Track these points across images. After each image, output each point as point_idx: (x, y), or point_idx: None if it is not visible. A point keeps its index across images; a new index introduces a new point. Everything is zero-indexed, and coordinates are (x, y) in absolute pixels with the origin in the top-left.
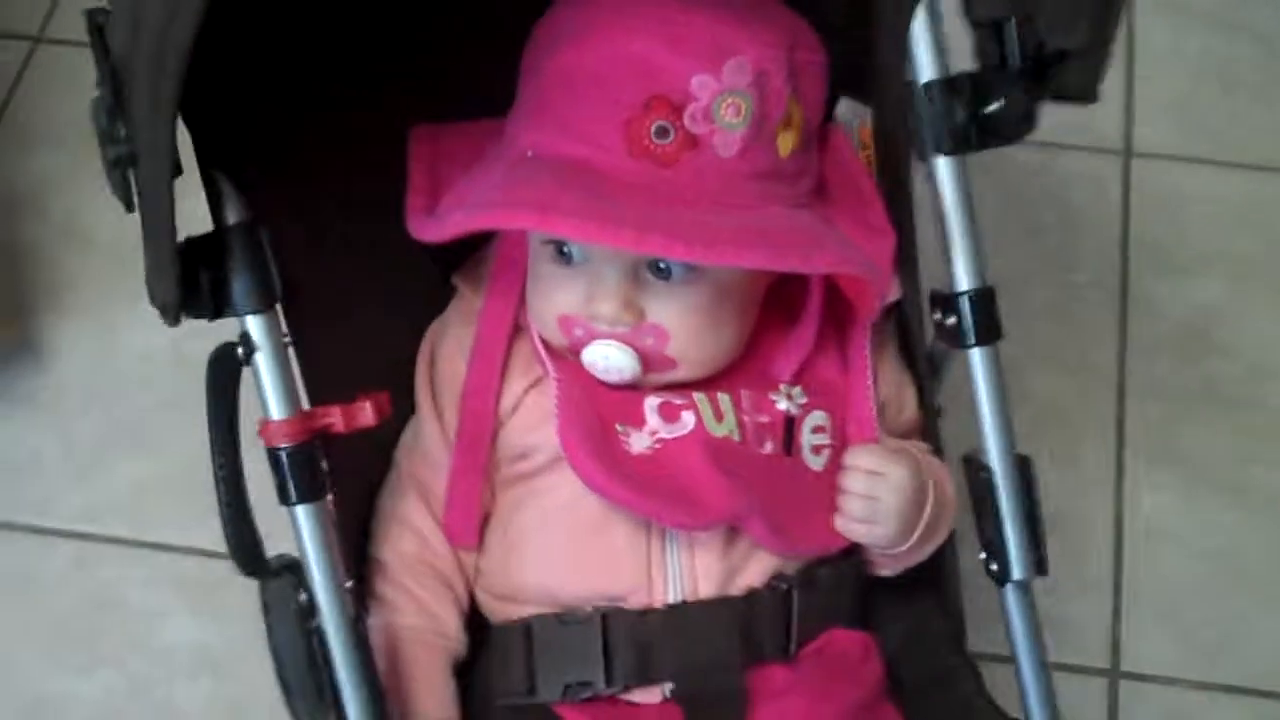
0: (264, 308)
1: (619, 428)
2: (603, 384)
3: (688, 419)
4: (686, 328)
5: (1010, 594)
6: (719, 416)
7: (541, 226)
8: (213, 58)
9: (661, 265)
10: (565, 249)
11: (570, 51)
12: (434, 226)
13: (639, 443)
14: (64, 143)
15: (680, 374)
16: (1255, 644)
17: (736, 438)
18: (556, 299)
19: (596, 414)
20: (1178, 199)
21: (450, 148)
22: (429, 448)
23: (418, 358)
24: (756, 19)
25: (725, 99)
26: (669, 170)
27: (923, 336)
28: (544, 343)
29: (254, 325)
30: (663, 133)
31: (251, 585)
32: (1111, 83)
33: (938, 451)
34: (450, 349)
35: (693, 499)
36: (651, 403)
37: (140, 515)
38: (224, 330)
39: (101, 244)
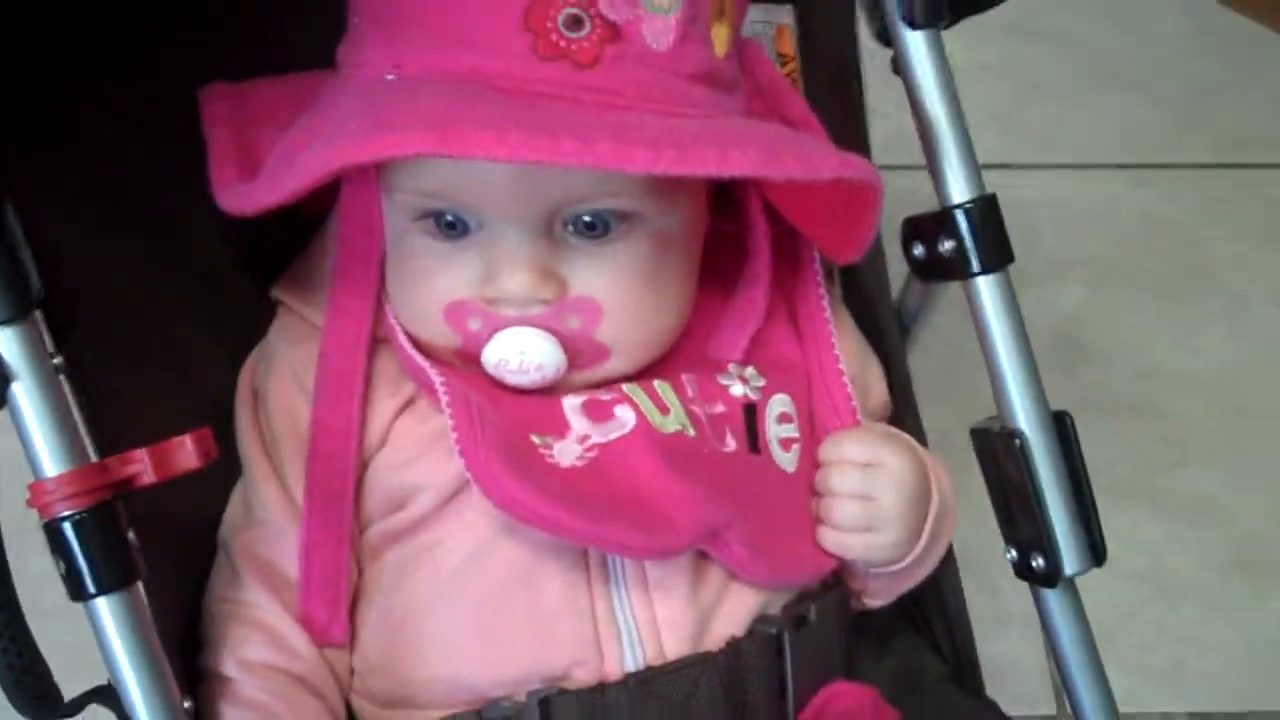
0: (17, 315)
1: (535, 439)
2: (503, 388)
3: (624, 415)
4: (624, 298)
5: (1057, 599)
6: (663, 408)
7: (444, 147)
8: None
9: (587, 218)
10: (450, 217)
11: None
12: (262, 188)
13: (567, 453)
14: None
15: (612, 367)
16: (1209, 662)
17: (691, 433)
18: (440, 283)
19: (504, 424)
20: (1016, 206)
21: (256, 108)
22: (267, 516)
23: (236, 400)
24: None
25: None
26: (590, 72)
27: (884, 293)
28: (416, 346)
29: (6, 342)
30: (575, 23)
31: None
32: None
33: (918, 438)
34: (281, 382)
35: (653, 515)
36: (572, 403)
37: None
38: None
39: None
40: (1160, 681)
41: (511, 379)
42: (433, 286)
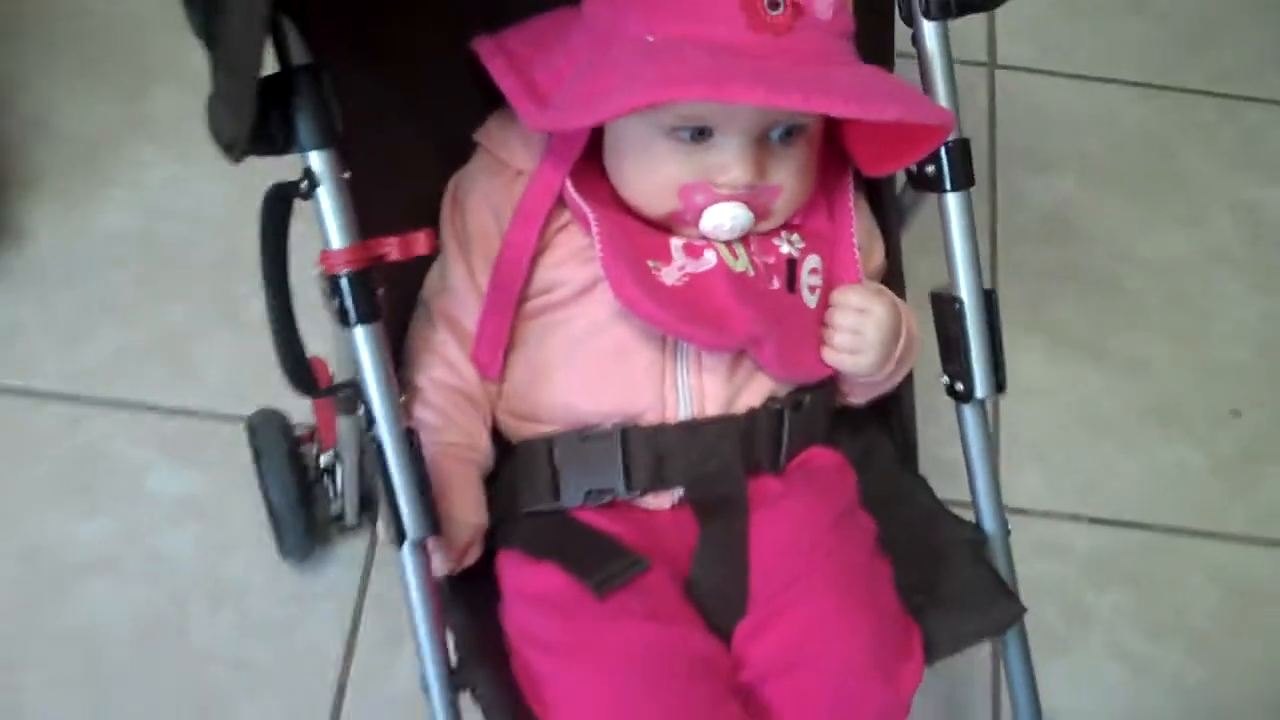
0: (328, 144)
1: (650, 263)
2: (633, 224)
3: (709, 256)
4: (796, 184)
5: (970, 412)
6: (734, 255)
7: (717, 95)
8: None
9: (786, 130)
10: (702, 129)
11: None
12: (575, 116)
13: (669, 276)
14: (28, 40)
15: (766, 225)
16: (1115, 482)
17: (751, 274)
18: (676, 171)
19: (632, 251)
20: (1036, 106)
21: (523, 54)
22: (456, 287)
23: (443, 205)
24: None
25: None
26: (784, 39)
27: (891, 191)
28: (576, 192)
29: (318, 160)
30: (774, 4)
31: (230, 439)
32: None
33: (901, 293)
34: (477, 205)
35: (720, 323)
36: (677, 243)
37: (121, 379)
38: (177, 223)
39: (67, 136)
40: (1074, 491)
41: (722, 235)
42: (675, 172)
